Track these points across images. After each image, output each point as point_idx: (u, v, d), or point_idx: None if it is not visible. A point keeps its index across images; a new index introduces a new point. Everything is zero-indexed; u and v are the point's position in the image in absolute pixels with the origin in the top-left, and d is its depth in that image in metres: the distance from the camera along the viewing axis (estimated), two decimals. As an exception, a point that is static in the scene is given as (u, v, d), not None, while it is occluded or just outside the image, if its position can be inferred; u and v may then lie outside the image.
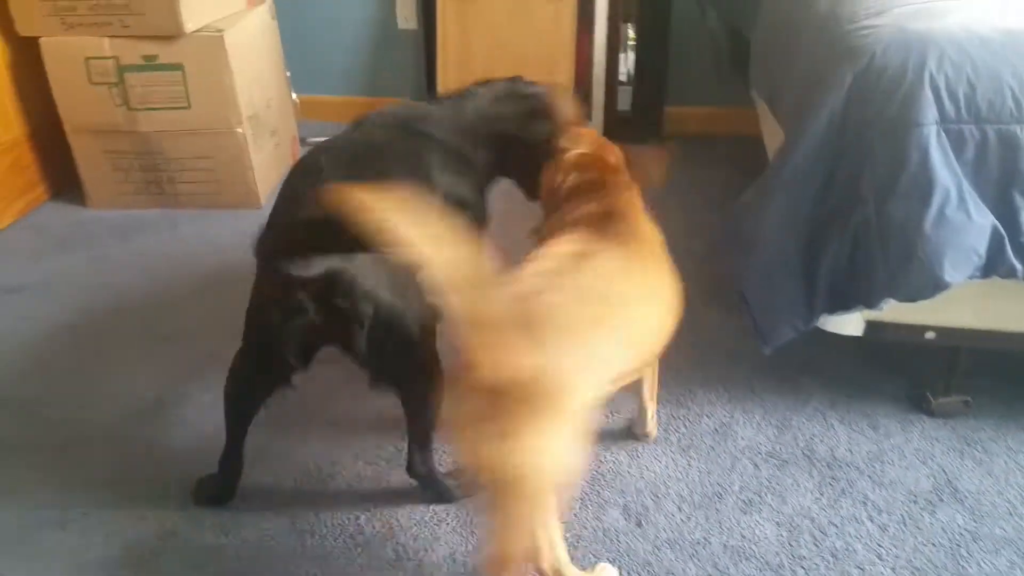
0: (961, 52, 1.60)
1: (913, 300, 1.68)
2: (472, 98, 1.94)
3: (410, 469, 1.71)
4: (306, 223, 1.53)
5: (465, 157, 1.85)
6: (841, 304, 1.77)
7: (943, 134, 1.59)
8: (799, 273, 1.79)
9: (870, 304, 1.73)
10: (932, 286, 1.65)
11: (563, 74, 3.40)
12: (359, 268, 1.44)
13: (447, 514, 1.72)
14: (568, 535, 1.66)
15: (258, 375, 1.62)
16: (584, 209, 1.59)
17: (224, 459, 1.72)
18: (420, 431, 1.67)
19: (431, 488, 1.73)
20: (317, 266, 1.40)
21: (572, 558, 1.60)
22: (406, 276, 1.50)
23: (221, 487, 1.75)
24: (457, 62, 3.43)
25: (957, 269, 1.63)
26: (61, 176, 3.18)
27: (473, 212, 1.83)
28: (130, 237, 2.91)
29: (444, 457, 1.76)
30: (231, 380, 1.65)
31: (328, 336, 1.51)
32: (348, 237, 1.24)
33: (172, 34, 2.79)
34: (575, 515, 1.72)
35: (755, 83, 2.56)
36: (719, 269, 2.58)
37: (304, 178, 1.67)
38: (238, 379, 1.65)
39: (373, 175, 1.55)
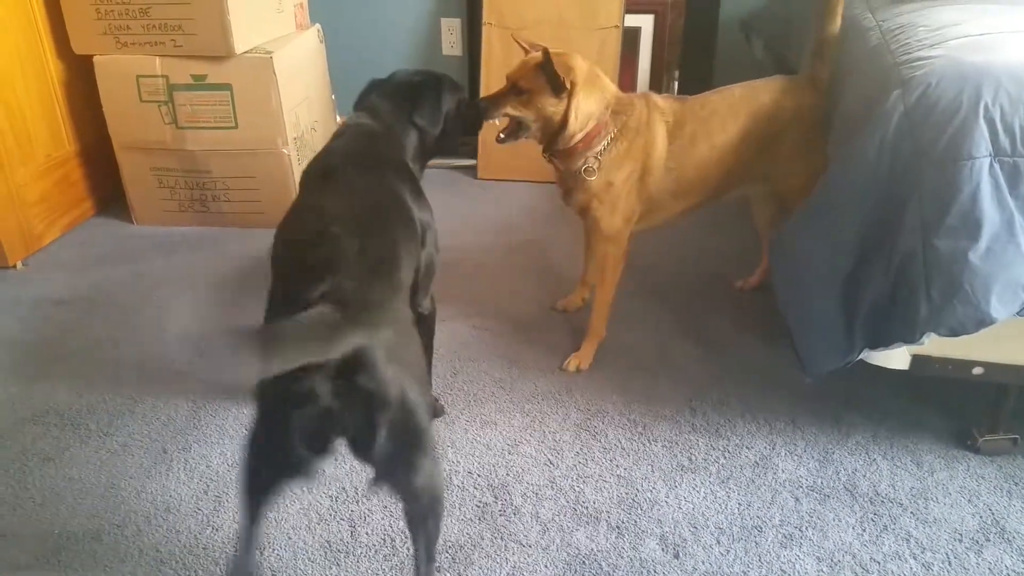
0: (1018, 85, 1.58)
1: (956, 335, 1.65)
2: (384, 102, 1.88)
3: None
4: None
5: (411, 170, 1.84)
6: (883, 338, 1.74)
7: (996, 167, 1.57)
8: (840, 304, 1.78)
9: (911, 339, 1.69)
10: (977, 321, 1.62)
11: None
12: (384, 345, 1.26)
13: (482, 538, 1.71)
14: (604, 565, 1.65)
15: (272, 458, 1.35)
16: None
17: (238, 551, 1.49)
18: (425, 544, 1.43)
19: None
20: (339, 343, 1.19)
21: (608, 586, 1.58)
22: (419, 360, 1.44)
23: None
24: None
25: (1004, 304, 1.60)
26: (108, 192, 3.24)
27: (433, 223, 1.81)
28: (174, 254, 2.94)
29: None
30: (247, 452, 1.38)
31: (343, 424, 1.28)
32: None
33: (223, 55, 2.83)
34: (611, 544, 1.70)
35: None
36: (757, 296, 2.57)
37: (321, 244, 1.41)
38: (253, 454, 1.38)
39: (384, 235, 1.51)
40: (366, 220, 1.51)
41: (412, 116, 1.86)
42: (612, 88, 2.17)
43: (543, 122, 2.11)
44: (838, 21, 2.12)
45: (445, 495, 1.47)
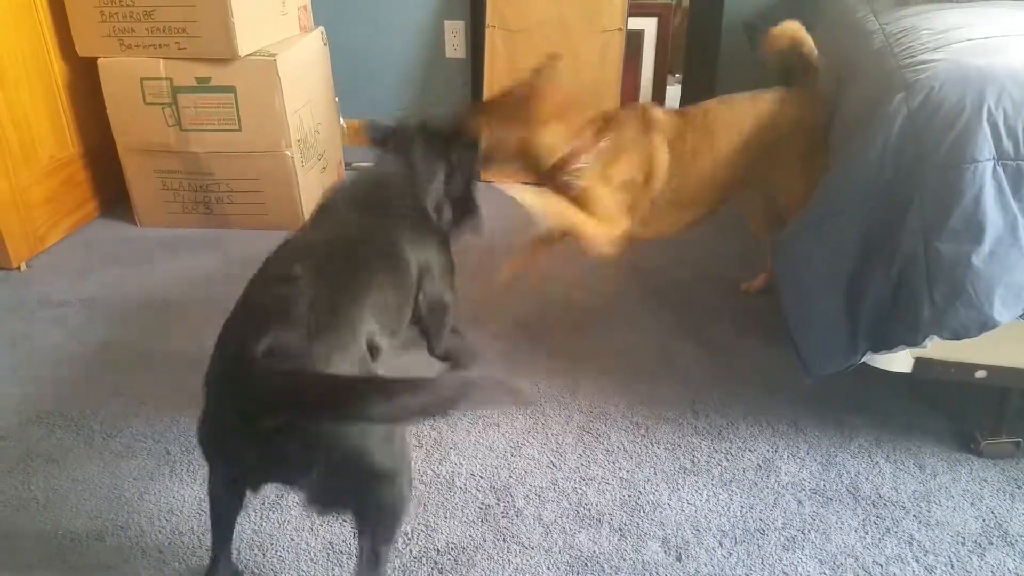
0: (1022, 88, 1.58)
1: (959, 338, 1.65)
2: (410, 149, 1.90)
3: None
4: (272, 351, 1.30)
5: (426, 216, 1.85)
6: (885, 341, 1.74)
7: (999, 170, 1.57)
8: (842, 306, 1.78)
9: (914, 342, 1.70)
10: (980, 324, 1.62)
11: (609, 106, 3.41)
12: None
13: (484, 540, 1.71)
14: (606, 567, 1.65)
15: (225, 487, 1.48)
16: None
17: (211, 565, 1.56)
18: (371, 545, 1.41)
19: None
20: (269, 416, 1.23)
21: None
22: None
23: None
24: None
25: (1007, 307, 1.61)
26: (112, 194, 3.25)
27: (446, 267, 1.85)
28: (177, 255, 2.95)
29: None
30: (209, 480, 1.49)
31: (270, 476, 1.38)
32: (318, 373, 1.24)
33: (227, 57, 2.84)
34: (613, 546, 1.70)
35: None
36: (758, 299, 2.57)
37: (278, 286, 1.46)
38: (211, 483, 1.49)
39: (351, 275, 1.52)
40: (335, 263, 1.52)
41: (456, 166, 1.95)
42: (585, 113, 2.18)
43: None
44: (809, 43, 2.14)
45: (405, 504, 1.43)
